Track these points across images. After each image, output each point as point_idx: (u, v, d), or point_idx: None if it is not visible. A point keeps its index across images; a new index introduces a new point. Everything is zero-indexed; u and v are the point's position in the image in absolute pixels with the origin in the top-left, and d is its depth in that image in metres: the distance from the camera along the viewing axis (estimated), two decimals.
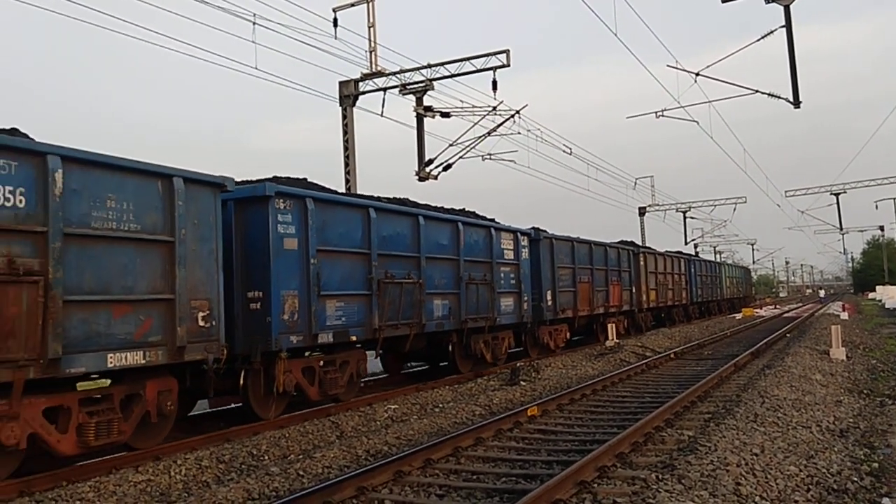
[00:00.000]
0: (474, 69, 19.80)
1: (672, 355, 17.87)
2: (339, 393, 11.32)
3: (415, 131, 20.54)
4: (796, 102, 16.78)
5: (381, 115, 20.47)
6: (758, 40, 17.35)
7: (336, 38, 18.70)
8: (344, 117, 20.51)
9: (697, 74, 18.09)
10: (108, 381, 8.28)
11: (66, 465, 7.75)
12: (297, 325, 10.08)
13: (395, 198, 13.89)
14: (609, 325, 21.68)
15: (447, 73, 20.16)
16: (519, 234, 16.99)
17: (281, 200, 10.03)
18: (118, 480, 7.12)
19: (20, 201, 6.91)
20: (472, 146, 20.55)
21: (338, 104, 20.58)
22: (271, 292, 9.73)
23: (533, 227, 18.52)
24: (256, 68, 16.17)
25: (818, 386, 11.92)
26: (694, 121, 22.47)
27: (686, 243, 54.28)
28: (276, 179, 10.85)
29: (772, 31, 16.80)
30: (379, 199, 13.06)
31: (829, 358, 16.00)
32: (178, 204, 8.38)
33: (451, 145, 20.55)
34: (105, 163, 7.68)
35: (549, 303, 18.51)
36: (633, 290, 25.63)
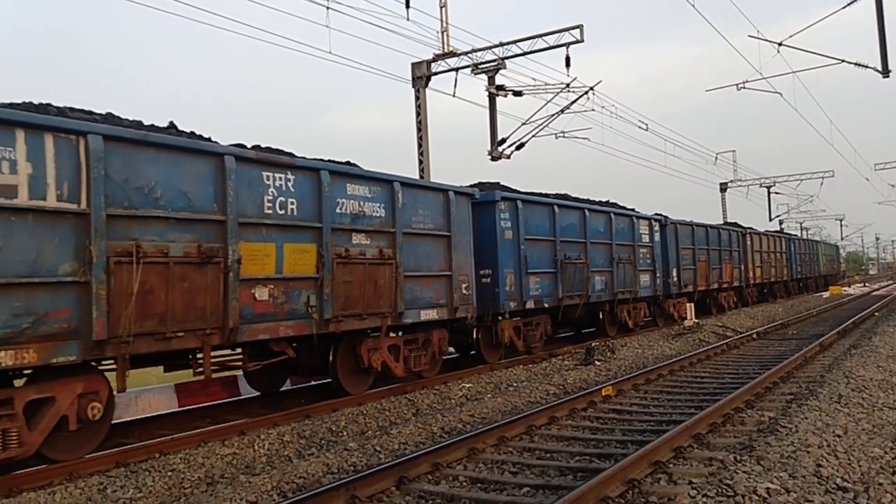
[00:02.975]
0: (547, 46, 19.49)
1: (754, 335, 17.41)
2: (536, 347, 14.69)
3: (487, 111, 20.46)
4: (885, 72, 15.97)
5: (454, 96, 20.51)
6: (845, 7, 16.54)
7: (408, 19, 18.80)
8: (417, 98, 20.56)
9: (780, 44, 17.38)
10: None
11: (401, 381, 11.41)
12: (513, 295, 13.51)
13: (557, 193, 17.13)
14: (687, 305, 21.25)
15: (519, 52, 19.92)
16: (652, 221, 20.25)
17: (503, 203, 13.46)
18: (206, 453, 7.47)
19: (382, 213, 10.49)
20: (544, 124, 20.32)
21: (410, 85, 20.68)
22: (498, 270, 13.19)
23: (658, 213, 21.13)
24: (330, 52, 16.35)
25: None
26: (777, 92, 21.63)
27: (770, 220, 52.36)
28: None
29: None
30: (546, 195, 16.11)
31: None
32: (452, 210, 11.91)
33: (523, 124, 20.37)
34: (418, 185, 11.51)
35: (675, 279, 21.47)
36: (742, 268, 28.23)
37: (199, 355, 8.39)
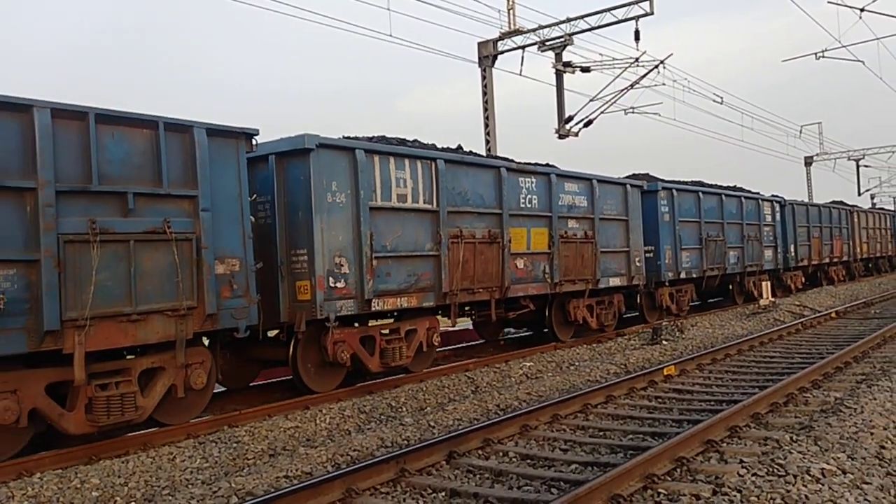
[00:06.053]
0: (616, 20, 19.03)
1: (833, 314, 16.79)
2: (685, 311, 17.42)
3: (554, 88, 20.21)
4: None
5: (520, 74, 20.37)
6: None
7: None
8: (483, 78, 20.50)
9: (862, 10, 16.55)
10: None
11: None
12: (671, 266, 16.44)
13: (695, 181, 19.76)
14: (763, 284, 20.58)
15: (587, 27, 19.51)
16: (774, 202, 22.74)
17: (663, 192, 16.41)
18: (270, 426, 7.76)
19: (585, 204, 13.69)
20: (613, 100, 19.94)
21: (477, 65, 20.63)
22: (660, 247, 16.10)
23: (774, 195, 23.15)
24: (391, 35, 16.45)
25: None
26: (859, 61, 20.60)
27: (859, 194, 50.03)
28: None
29: None
30: (687, 183, 18.81)
31: None
32: (628, 199, 14.93)
33: (591, 101, 20.04)
34: (607, 180, 14.42)
35: (792, 254, 23.71)
36: (850, 243, 30.52)
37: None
